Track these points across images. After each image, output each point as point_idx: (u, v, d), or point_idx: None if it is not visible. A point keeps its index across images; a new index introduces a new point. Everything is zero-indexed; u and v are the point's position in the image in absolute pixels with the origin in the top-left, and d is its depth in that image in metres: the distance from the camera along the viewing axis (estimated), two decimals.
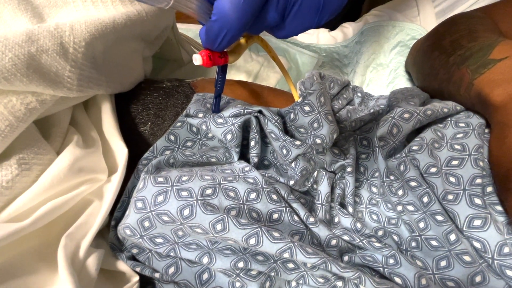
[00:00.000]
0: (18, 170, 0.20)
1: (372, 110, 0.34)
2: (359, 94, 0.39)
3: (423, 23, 0.51)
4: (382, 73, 0.52)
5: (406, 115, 0.29)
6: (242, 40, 0.26)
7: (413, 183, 0.27)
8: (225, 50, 0.24)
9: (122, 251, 0.25)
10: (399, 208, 0.27)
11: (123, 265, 0.24)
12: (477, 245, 0.23)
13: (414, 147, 0.28)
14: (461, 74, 0.31)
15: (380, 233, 0.28)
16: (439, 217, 0.25)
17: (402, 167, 0.28)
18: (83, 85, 0.23)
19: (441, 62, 0.35)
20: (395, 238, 0.27)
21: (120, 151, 0.26)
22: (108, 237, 0.26)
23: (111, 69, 0.26)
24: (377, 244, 0.25)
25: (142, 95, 0.30)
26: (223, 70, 0.26)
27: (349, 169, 0.29)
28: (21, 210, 0.21)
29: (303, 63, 0.54)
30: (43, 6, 0.23)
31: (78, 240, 0.22)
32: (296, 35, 0.27)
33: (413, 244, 0.26)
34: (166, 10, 0.30)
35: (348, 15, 0.60)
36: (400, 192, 0.27)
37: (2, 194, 0.20)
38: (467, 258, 0.24)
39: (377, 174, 0.30)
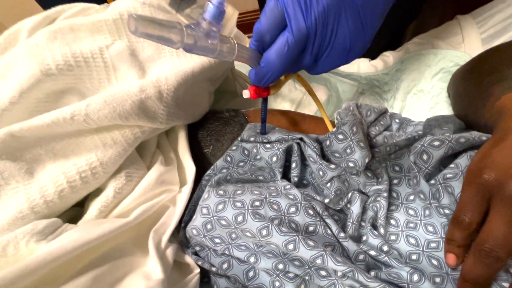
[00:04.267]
0: (125, 181, 0.29)
1: (409, 136, 0.35)
2: (397, 120, 0.41)
3: (468, 49, 0.51)
4: (423, 98, 0.52)
5: (436, 143, 0.30)
6: (282, 77, 0.32)
7: (446, 211, 0.28)
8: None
9: (188, 247, 0.32)
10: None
11: (188, 259, 0.31)
12: None
13: (449, 175, 0.29)
14: (492, 90, 0.31)
15: (414, 257, 0.28)
16: None
17: (436, 195, 0.29)
18: (170, 119, 0.31)
19: (476, 82, 0.35)
20: (435, 262, 0.27)
21: (190, 168, 0.34)
22: (179, 236, 0.33)
23: (187, 105, 0.34)
24: (401, 264, 0.27)
25: (207, 124, 0.38)
26: (265, 100, 0.33)
27: (384, 194, 0.31)
28: (124, 210, 0.29)
29: (343, 91, 0.58)
30: (145, 61, 0.32)
31: (160, 235, 0.29)
32: (327, 72, 0.32)
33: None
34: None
35: (388, 46, 0.63)
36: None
37: (115, 197, 0.28)
38: (506, 285, 0.24)
39: (412, 197, 0.32)
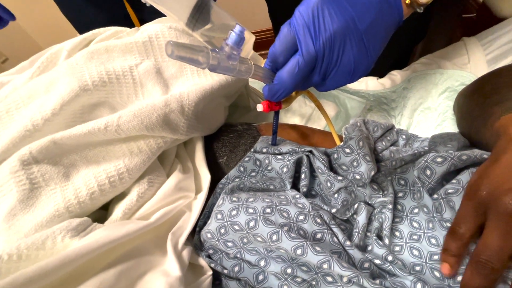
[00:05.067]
0: (147, 186, 0.32)
1: (415, 151, 0.36)
2: (404, 136, 0.42)
3: (473, 70, 0.52)
4: (430, 116, 0.53)
5: (439, 159, 0.30)
6: (293, 93, 0.35)
7: (448, 224, 0.29)
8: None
9: (202, 250, 0.34)
10: None
11: (202, 261, 0.33)
12: None
13: (450, 190, 0.30)
14: (492, 111, 0.33)
15: (417, 268, 0.29)
16: None
17: (439, 209, 0.30)
18: (189, 131, 0.34)
19: (478, 102, 0.37)
20: (437, 274, 0.28)
21: (205, 177, 0.36)
22: (193, 239, 0.35)
23: (205, 119, 0.37)
24: (404, 274, 0.28)
25: (222, 136, 0.41)
26: (276, 113, 0.36)
27: (389, 206, 0.32)
28: (146, 213, 0.32)
29: (352, 107, 0.60)
30: (169, 79, 0.36)
31: (177, 237, 0.32)
32: (334, 89, 0.35)
33: (458, 278, 0.27)
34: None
35: (396, 65, 0.65)
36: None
37: (138, 201, 0.31)
38: None
39: (416, 210, 0.33)
